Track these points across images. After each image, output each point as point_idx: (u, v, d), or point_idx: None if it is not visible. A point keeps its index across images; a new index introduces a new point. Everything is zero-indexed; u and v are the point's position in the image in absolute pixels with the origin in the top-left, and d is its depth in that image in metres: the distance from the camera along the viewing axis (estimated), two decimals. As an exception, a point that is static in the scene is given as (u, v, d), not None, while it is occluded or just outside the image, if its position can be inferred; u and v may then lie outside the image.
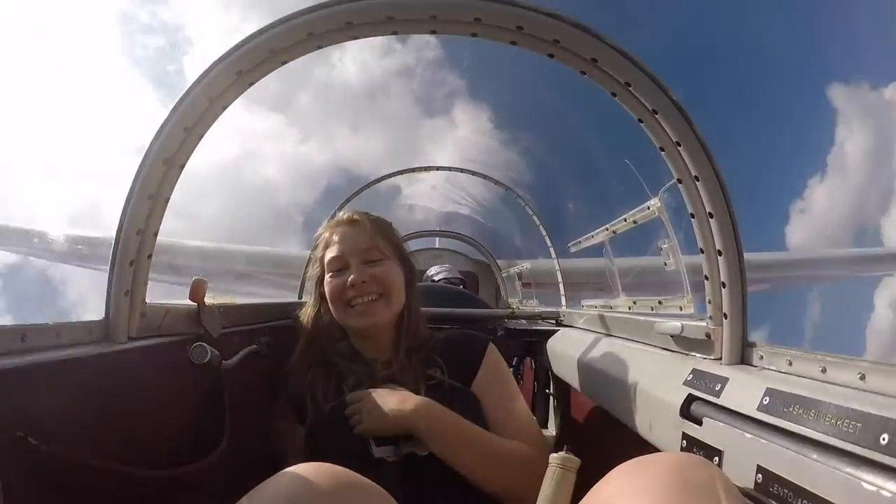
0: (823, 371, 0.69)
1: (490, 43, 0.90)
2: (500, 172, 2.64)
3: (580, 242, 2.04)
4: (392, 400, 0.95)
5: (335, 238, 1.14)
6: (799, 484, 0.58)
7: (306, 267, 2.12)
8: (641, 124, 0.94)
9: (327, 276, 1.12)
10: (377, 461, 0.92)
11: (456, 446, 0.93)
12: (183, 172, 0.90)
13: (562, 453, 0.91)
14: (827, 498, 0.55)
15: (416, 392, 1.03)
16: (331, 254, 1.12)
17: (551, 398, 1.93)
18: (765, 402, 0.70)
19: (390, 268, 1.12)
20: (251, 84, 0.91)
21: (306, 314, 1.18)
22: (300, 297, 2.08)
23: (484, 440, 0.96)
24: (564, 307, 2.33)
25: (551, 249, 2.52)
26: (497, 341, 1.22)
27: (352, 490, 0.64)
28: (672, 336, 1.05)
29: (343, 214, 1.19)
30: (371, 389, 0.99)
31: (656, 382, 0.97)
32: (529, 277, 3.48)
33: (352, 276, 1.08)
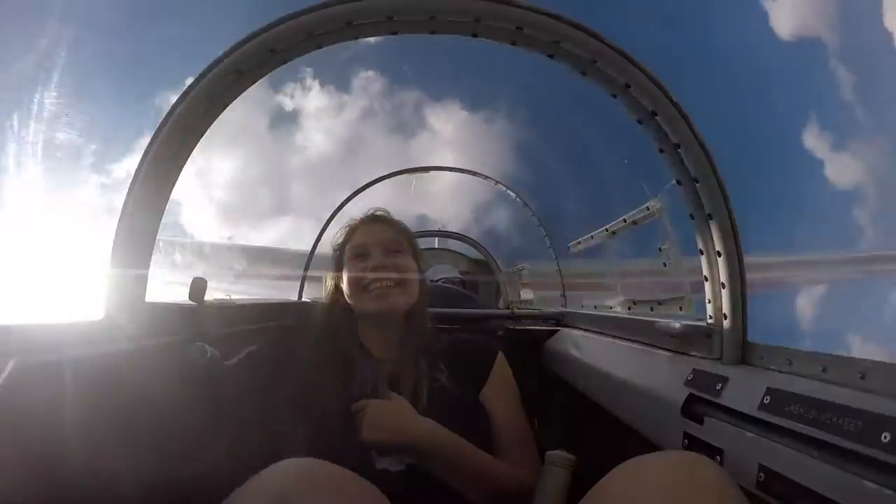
0: (824, 370, 0.69)
1: (432, 44, 0.90)
2: (499, 167, 2.63)
3: (580, 243, 2.04)
4: (397, 417, 0.96)
5: (359, 231, 1.21)
6: (801, 482, 0.58)
7: (306, 266, 2.12)
8: (641, 125, 0.94)
9: (347, 264, 1.17)
10: (380, 469, 0.93)
11: (454, 469, 0.94)
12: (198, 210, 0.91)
13: (557, 451, 0.91)
14: (829, 496, 0.55)
15: (419, 394, 1.04)
16: (354, 242, 1.18)
17: (551, 398, 1.93)
18: (765, 402, 0.70)
19: (408, 261, 1.17)
20: (251, 84, 0.91)
21: (322, 304, 1.22)
22: (300, 298, 2.08)
23: (482, 465, 0.97)
24: (565, 307, 2.33)
25: (551, 250, 2.52)
26: (497, 341, 1.22)
27: (341, 485, 0.63)
28: (672, 336, 1.05)
29: (367, 214, 1.26)
30: (379, 401, 0.99)
31: (657, 382, 0.97)
32: (529, 278, 3.48)
33: (374, 261, 1.13)
